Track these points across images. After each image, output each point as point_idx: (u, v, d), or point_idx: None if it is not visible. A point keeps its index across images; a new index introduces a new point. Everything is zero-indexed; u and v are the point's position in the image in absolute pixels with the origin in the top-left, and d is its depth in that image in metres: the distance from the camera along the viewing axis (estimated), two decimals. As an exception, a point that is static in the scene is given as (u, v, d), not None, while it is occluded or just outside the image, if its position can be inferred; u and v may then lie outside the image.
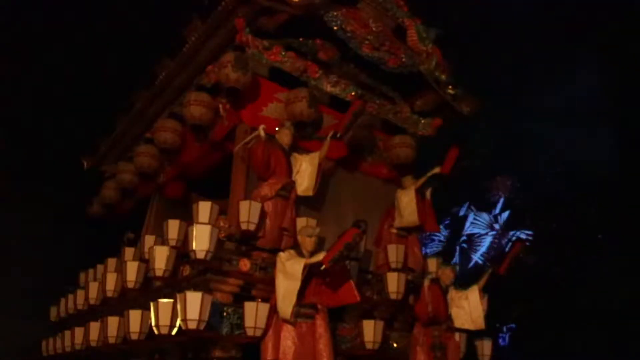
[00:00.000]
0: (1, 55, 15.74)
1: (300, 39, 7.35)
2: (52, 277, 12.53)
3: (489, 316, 6.96)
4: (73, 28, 16.68)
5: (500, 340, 23.17)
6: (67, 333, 8.27)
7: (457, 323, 6.88)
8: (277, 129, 6.70)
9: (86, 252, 10.36)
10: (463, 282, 7.23)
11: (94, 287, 7.83)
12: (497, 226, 27.43)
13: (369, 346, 6.16)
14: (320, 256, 5.39)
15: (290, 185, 6.46)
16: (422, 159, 8.12)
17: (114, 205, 10.02)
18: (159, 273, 5.90)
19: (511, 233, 27.81)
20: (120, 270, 6.93)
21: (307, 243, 5.74)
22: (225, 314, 5.45)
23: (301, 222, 6.37)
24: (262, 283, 5.80)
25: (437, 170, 7.58)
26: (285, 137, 6.64)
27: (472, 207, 27.89)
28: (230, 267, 5.63)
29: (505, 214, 27.57)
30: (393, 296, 6.61)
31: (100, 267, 8.45)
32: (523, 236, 27.35)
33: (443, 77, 7.88)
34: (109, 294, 7.17)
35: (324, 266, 5.33)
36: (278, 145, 6.54)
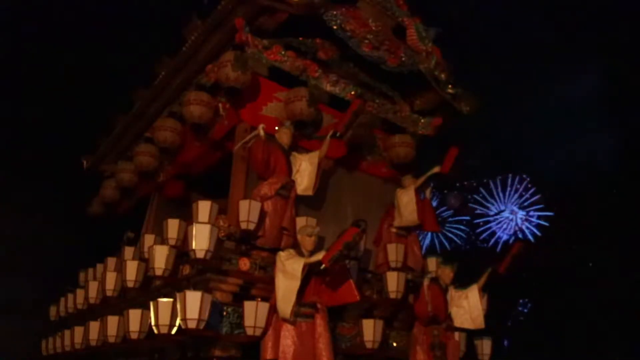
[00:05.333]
0: (1, 56, 15.74)
1: (300, 38, 7.34)
2: (52, 276, 12.54)
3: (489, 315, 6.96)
4: (73, 28, 16.68)
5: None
6: (67, 332, 8.27)
7: (457, 322, 6.88)
8: (276, 128, 6.70)
9: (86, 252, 10.36)
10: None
11: (93, 287, 7.83)
12: None
13: (368, 345, 6.16)
14: (320, 255, 5.39)
15: (290, 185, 6.46)
16: (421, 158, 8.12)
17: (113, 204, 10.02)
18: (158, 272, 5.90)
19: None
20: (120, 269, 6.93)
21: (307, 242, 5.74)
22: (224, 313, 5.46)
23: (301, 221, 6.37)
24: (261, 282, 5.80)
25: (436, 169, 7.58)
26: (284, 136, 6.64)
27: None
28: (230, 266, 5.63)
29: None
30: (393, 295, 6.61)
31: (100, 267, 8.45)
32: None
33: (443, 76, 7.86)
34: (109, 293, 7.17)
35: (323, 265, 5.33)
36: (278, 145, 6.53)
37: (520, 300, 27.71)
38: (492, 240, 31.75)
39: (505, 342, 24.86)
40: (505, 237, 31.53)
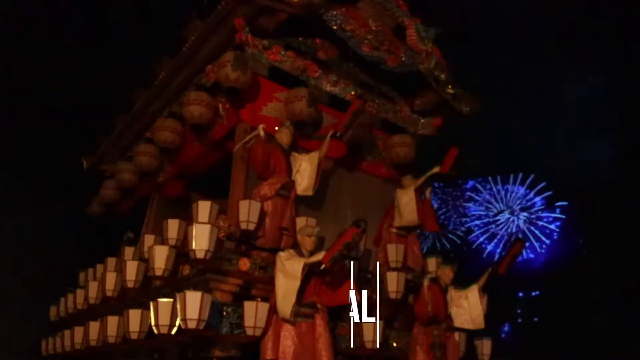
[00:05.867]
0: (1, 55, 15.74)
1: (300, 39, 7.36)
2: (52, 277, 12.53)
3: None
4: (73, 28, 16.69)
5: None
6: (67, 333, 8.28)
7: (457, 322, 6.88)
8: (276, 128, 6.70)
9: (86, 252, 10.36)
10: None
11: (93, 287, 7.84)
12: None
13: (368, 345, 6.14)
14: (319, 255, 5.40)
15: (290, 185, 6.46)
16: (421, 158, 8.12)
17: (113, 204, 10.02)
18: (158, 272, 5.90)
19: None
20: (120, 269, 6.93)
21: (307, 242, 5.75)
22: (224, 313, 5.45)
23: (301, 221, 6.37)
24: (261, 282, 5.81)
25: (436, 169, 7.58)
26: (284, 136, 6.64)
27: None
28: (230, 266, 5.63)
29: None
30: (393, 295, 6.61)
31: (100, 267, 8.45)
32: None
33: (442, 76, 7.87)
34: (109, 294, 7.17)
35: (323, 265, 5.34)
36: (278, 145, 6.54)
37: (520, 293, 27.45)
38: (487, 250, 30.99)
39: (506, 327, 24.68)
40: (491, 248, 30.59)
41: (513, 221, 31.17)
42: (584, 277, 23.07)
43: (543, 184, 30.60)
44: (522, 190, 31.17)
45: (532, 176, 30.74)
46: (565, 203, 29.29)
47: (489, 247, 30.89)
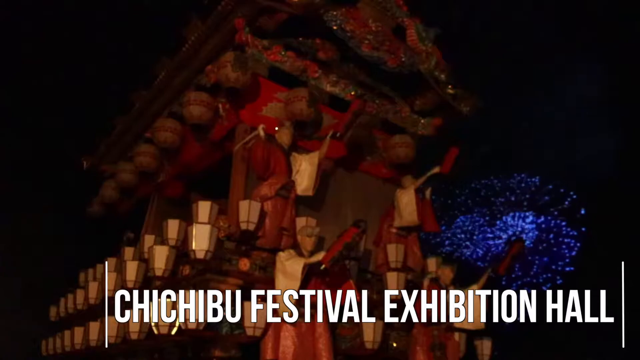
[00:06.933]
0: (1, 55, 15.75)
1: (300, 39, 7.35)
2: (52, 277, 12.54)
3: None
4: (73, 28, 16.69)
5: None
6: (67, 333, 8.28)
7: (457, 322, 6.88)
8: (276, 128, 6.70)
9: (86, 252, 10.35)
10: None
11: (93, 287, 7.84)
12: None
13: (368, 346, 6.15)
14: (319, 256, 5.41)
15: (290, 185, 6.46)
16: (421, 158, 8.12)
17: (113, 204, 10.02)
18: (158, 273, 5.89)
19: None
20: (120, 269, 6.93)
21: (307, 243, 5.76)
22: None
23: (301, 221, 6.38)
24: (261, 282, 5.81)
25: (436, 170, 7.58)
26: (284, 136, 6.65)
27: None
28: (230, 266, 5.64)
29: None
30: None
31: (100, 267, 8.45)
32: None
33: (442, 76, 7.87)
34: (109, 294, 7.17)
35: (323, 266, 5.34)
36: (278, 145, 6.54)
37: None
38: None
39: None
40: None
41: (515, 225, 29.32)
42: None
43: (557, 182, 27.40)
44: (528, 190, 27.71)
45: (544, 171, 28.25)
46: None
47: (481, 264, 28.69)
